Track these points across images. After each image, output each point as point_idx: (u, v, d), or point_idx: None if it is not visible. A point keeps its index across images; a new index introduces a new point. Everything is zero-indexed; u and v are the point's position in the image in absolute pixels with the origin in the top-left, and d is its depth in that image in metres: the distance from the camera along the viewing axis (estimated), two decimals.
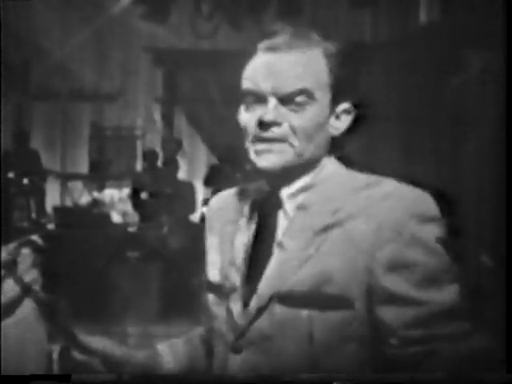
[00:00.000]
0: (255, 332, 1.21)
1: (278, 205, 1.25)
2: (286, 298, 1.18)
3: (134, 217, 5.59)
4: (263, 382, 1.33)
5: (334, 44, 1.27)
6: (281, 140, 1.21)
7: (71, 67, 6.67)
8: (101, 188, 6.29)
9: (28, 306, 3.07)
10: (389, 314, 1.15)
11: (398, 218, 1.17)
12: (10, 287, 3.28)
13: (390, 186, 1.24)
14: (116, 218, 5.70)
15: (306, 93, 1.22)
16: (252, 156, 1.23)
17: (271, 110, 1.20)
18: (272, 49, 1.24)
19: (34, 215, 6.02)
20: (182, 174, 6.35)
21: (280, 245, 1.22)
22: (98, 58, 6.77)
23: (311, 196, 1.25)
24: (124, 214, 5.71)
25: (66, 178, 6.57)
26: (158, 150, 6.47)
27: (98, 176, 6.59)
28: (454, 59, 5.13)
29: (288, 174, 1.23)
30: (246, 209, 1.30)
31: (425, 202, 1.21)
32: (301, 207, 1.21)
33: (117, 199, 5.88)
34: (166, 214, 5.32)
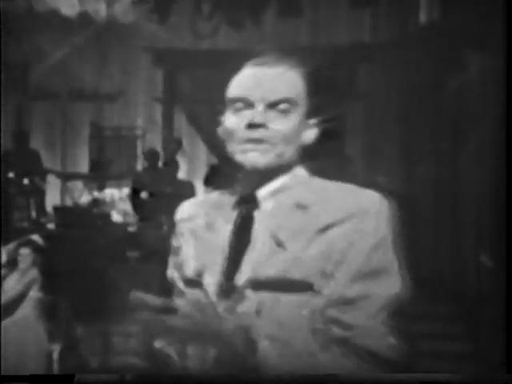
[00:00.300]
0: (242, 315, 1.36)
1: (255, 204, 1.42)
2: (263, 284, 1.36)
3: (134, 216, 5.59)
4: (264, 382, 1.35)
5: (308, 69, 1.47)
6: (266, 141, 1.38)
7: (71, 67, 6.68)
8: (101, 188, 6.29)
9: (28, 306, 3.07)
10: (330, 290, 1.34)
11: (354, 213, 1.37)
12: (11, 287, 3.28)
13: (348, 188, 1.43)
14: (116, 217, 5.71)
15: (290, 101, 1.41)
16: (239, 156, 1.39)
17: (260, 113, 1.37)
18: (258, 64, 1.43)
19: (34, 215, 6.02)
20: (182, 174, 6.35)
21: (274, 237, 1.38)
22: (97, 58, 6.77)
23: (286, 197, 1.43)
24: (124, 214, 5.71)
25: (66, 177, 6.56)
26: (159, 149, 6.48)
27: (98, 176, 6.59)
28: (453, 60, 5.13)
29: (266, 175, 1.40)
30: (223, 211, 1.46)
31: (377, 201, 1.39)
32: (291, 204, 1.39)
33: (117, 199, 5.88)
34: (166, 213, 5.33)
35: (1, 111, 4.94)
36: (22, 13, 6.04)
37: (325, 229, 1.35)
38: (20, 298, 3.28)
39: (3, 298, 3.25)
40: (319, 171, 1.57)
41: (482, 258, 4.08)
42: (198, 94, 6.45)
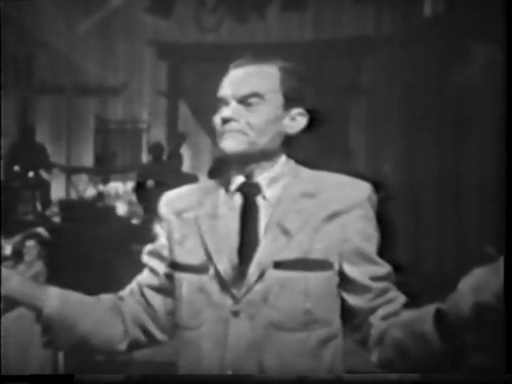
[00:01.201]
0: (254, 295, 1.51)
1: (257, 191, 1.59)
2: (280, 265, 1.52)
3: (139, 210, 5.61)
4: (264, 382, 1.39)
5: (292, 64, 1.64)
6: (238, 132, 1.57)
7: (75, 61, 6.68)
8: (105, 181, 6.31)
9: None
10: (354, 271, 1.54)
11: (356, 201, 1.56)
12: None
13: (339, 177, 1.62)
14: (121, 210, 5.72)
15: (257, 95, 1.58)
16: (220, 144, 1.58)
17: (229, 109, 1.57)
18: (237, 65, 1.62)
19: (39, 208, 6.05)
20: (186, 167, 6.36)
21: (278, 224, 1.55)
22: (102, 52, 6.78)
23: (286, 185, 1.60)
24: (129, 207, 5.73)
25: (70, 171, 6.59)
26: (164, 143, 6.49)
27: (103, 169, 6.61)
28: (458, 52, 5.13)
29: (249, 161, 1.59)
30: (222, 198, 1.62)
31: (371, 190, 1.58)
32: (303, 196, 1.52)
33: (122, 192, 5.90)
34: None
35: (1, 105, 4.96)
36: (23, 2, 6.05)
37: (332, 217, 1.51)
38: None
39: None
40: (319, 164, 1.66)
41: (486, 249, 4.08)
42: (202, 87, 6.46)
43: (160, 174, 5.82)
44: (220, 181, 1.64)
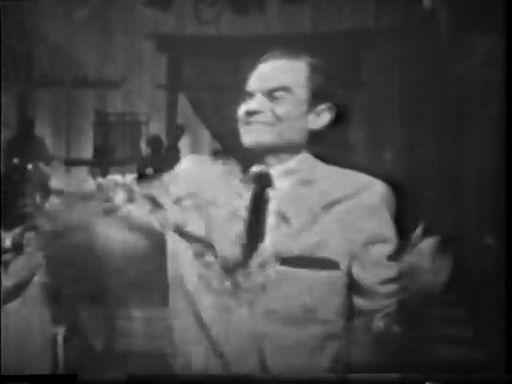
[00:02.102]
0: (254, 284, 1.48)
1: (269, 182, 1.60)
2: (287, 260, 1.50)
3: (139, 198, 5.60)
4: (264, 382, 1.39)
5: (320, 61, 1.66)
6: (264, 123, 1.57)
7: (74, 54, 6.67)
8: (105, 174, 6.30)
9: (34, 289, 3.10)
10: (364, 275, 1.49)
11: (373, 203, 1.53)
12: (16, 270, 3.31)
13: (360, 176, 1.59)
14: (120, 200, 5.72)
15: (285, 89, 1.61)
16: (243, 136, 1.62)
17: (255, 102, 1.60)
18: (265, 60, 1.65)
19: (38, 200, 6.04)
20: None
21: (284, 217, 1.52)
22: (101, 45, 6.77)
23: (302, 177, 1.64)
24: (128, 200, 5.72)
25: (70, 163, 6.59)
26: (163, 136, 6.49)
27: (102, 162, 6.60)
28: (458, 45, 5.12)
29: (271, 155, 1.56)
30: (228, 185, 1.67)
31: (388, 192, 1.56)
32: (301, 183, 1.54)
33: (121, 185, 5.90)
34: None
35: (0, 99, 4.95)
36: None
37: (332, 204, 1.53)
38: (26, 281, 3.31)
39: (9, 281, 3.29)
40: (327, 158, 1.67)
41: (487, 239, 4.08)
42: (201, 80, 6.45)
43: (158, 167, 5.81)
44: (232, 168, 1.66)
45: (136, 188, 5.84)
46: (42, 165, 6.21)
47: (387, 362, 1.48)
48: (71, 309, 3.31)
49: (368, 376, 1.54)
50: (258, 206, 1.57)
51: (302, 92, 1.65)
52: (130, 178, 6.08)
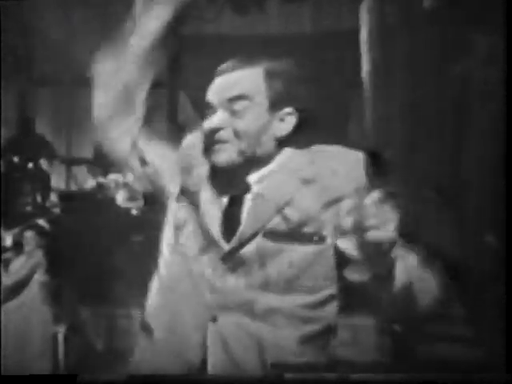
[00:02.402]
0: (242, 258, 1.54)
1: (247, 191, 1.56)
2: (270, 234, 1.50)
3: (139, 201, 5.61)
4: (264, 382, 1.39)
5: (280, 64, 1.58)
6: (225, 141, 1.52)
7: (74, 52, 6.67)
8: (105, 173, 6.30)
9: (34, 288, 3.10)
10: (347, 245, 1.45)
11: (355, 175, 1.50)
12: (16, 269, 3.31)
13: (335, 149, 1.58)
14: (121, 199, 5.72)
15: (243, 97, 1.54)
16: (210, 157, 1.55)
17: (216, 117, 1.54)
18: (220, 73, 1.60)
19: (39, 199, 6.05)
20: None
21: (260, 195, 1.54)
22: (101, 43, 6.74)
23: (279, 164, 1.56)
24: (129, 199, 5.73)
25: (70, 162, 6.59)
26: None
27: (103, 161, 6.60)
28: (458, 44, 5.12)
29: (249, 166, 1.52)
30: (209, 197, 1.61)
31: (361, 162, 1.54)
32: (279, 170, 1.52)
33: (121, 184, 5.90)
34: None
35: (1, 97, 4.95)
36: None
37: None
38: (26, 279, 3.31)
39: (9, 279, 3.29)
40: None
41: (487, 238, 4.08)
42: (201, 79, 6.44)
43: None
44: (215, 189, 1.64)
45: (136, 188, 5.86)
46: (43, 163, 6.21)
47: (388, 362, 1.48)
48: (72, 308, 3.31)
49: (369, 376, 1.54)
50: (232, 207, 1.57)
51: (261, 99, 1.55)
52: (131, 176, 6.09)
